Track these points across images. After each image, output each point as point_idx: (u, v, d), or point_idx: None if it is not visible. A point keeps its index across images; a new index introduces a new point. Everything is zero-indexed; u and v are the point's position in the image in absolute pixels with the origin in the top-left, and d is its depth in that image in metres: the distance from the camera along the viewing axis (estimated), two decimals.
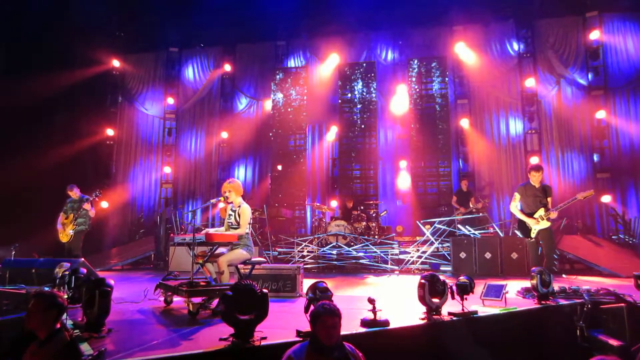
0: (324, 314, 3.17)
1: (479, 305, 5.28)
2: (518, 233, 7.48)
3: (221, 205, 12.33)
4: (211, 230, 5.91)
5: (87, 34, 13.05)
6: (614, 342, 4.67)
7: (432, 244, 10.39)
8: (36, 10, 11.90)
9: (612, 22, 12.65)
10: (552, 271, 6.17)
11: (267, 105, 14.92)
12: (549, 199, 7.09)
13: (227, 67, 15.16)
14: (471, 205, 11.27)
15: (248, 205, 6.15)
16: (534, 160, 12.58)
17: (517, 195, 7.32)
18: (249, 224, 6.17)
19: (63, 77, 12.54)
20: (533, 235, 7.10)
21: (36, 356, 3.26)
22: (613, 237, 11.64)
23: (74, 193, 8.83)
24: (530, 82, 13.01)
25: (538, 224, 7.02)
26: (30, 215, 11.09)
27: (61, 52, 12.76)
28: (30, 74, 11.66)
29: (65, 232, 8.50)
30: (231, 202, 6.23)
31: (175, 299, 5.88)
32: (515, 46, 13.45)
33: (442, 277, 4.75)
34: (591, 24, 12.71)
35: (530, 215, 7.09)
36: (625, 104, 12.41)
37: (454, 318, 4.69)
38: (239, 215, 6.04)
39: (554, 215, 6.94)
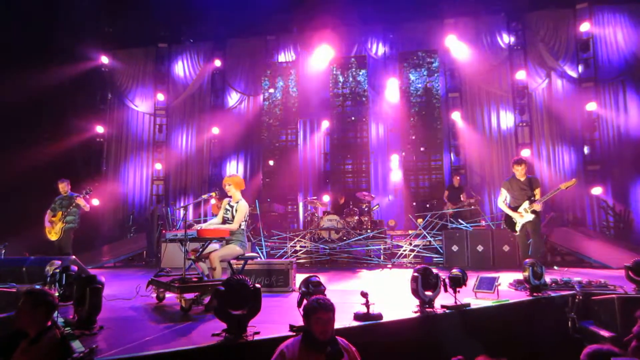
0: (319, 309, 3.15)
1: (472, 298, 5.31)
2: (506, 227, 7.54)
3: (213, 201, 12.35)
4: (203, 226, 5.90)
5: (75, 30, 12.92)
6: (605, 333, 4.71)
7: (424, 237, 10.42)
8: (23, 5, 11.74)
9: (602, 14, 12.68)
10: (539, 259, 6.24)
11: (258, 100, 14.88)
12: (536, 191, 7.12)
13: (218, 63, 15.08)
14: (462, 199, 11.30)
15: (246, 203, 6.15)
16: (525, 153, 12.66)
17: (503, 191, 7.38)
18: (245, 220, 6.15)
19: (51, 73, 12.40)
20: (517, 228, 7.15)
21: (27, 354, 3.23)
22: (604, 229, 11.74)
23: (63, 187, 8.70)
24: (520, 75, 13.05)
25: (522, 218, 7.05)
26: (21, 214, 10.99)
27: (49, 49, 12.62)
28: (17, 70, 11.51)
29: (54, 230, 8.41)
30: (230, 197, 6.23)
31: (168, 295, 5.85)
32: (506, 39, 13.48)
33: (434, 270, 4.76)
34: (581, 15, 12.74)
35: (516, 209, 7.12)
36: (615, 96, 12.46)
37: (447, 311, 4.70)
38: (236, 211, 6.03)
39: (537, 207, 6.97)
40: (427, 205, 12.28)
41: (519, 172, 7.21)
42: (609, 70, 12.51)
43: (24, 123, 12.47)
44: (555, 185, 7.24)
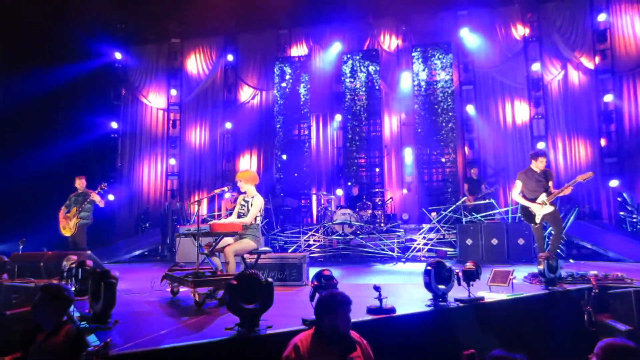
0: (344, 303, 3.19)
1: (486, 292, 5.27)
2: (523, 219, 7.45)
3: (227, 195, 12.41)
4: (216, 221, 5.92)
5: (88, 27, 13.02)
6: (622, 327, 4.65)
7: (438, 231, 10.37)
8: (37, 3, 11.86)
9: (619, 4, 12.42)
10: (555, 254, 6.19)
11: (271, 94, 14.87)
12: (550, 183, 7.04)
13: (230, 58, 15.10)
14: (483, 189, 11.18)
15: (262, 198, 6.15)
16: (540, 145, 12.49)
17: (518, 182, 7.26)
18: (260, 215, 6.16)
19: (65, 71, 12.54)
20: (538, 220, 7.04)
21: (43, 348, 3.28)
22: (621, 222, 11.57)
23: (80, 183, 8.83)
24: (536, 67, 12.87)
25: (542, 209, 6.96)
26: (38, 209, 11.15)
27: (63, 46, 12.74)
28: (32, 68, 11.66)
29: (69, 226, 8.52)
30: (244, 192, 6.25)
31: (182, 289, 5.90)
32: (521, 30, 13.28)
33: (448, 264, 4.73)
34: (598, 5, 12.50)
35: (533, 200, 7.03)
36: (632, 87, 12.22)
37: (461, 304, 4.68)
38: (251, 206, 6.05)
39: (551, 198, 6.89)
40: (442, 199, 12.21)
41: (542, 164, 7.10)
42: (626, 62, 12.26)
43: (39, 120, 12.63)
44: (571, 178, 7.16)
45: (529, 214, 7.14)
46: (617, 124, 12.21)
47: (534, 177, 7.12)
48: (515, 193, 7.28)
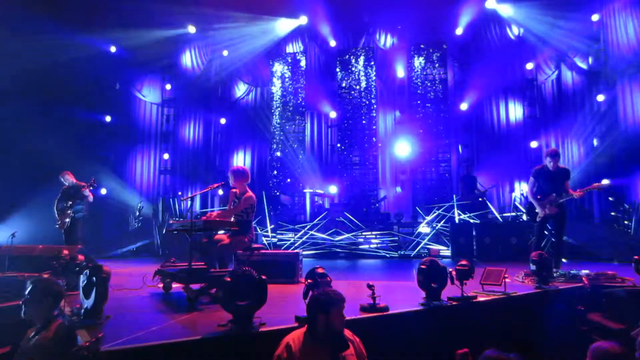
0: (340, 301, 3.17)
1: (479, 290, 5.27)
2: (524, 217, 7.43)
3: (220, 192, 12.37)
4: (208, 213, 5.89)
5: (83, 19, 12.89)
6: (613, 326, 4.67)
7: (432, 229, 10.40)
8: None
9: (612, 5, 12.46)
10: (559, 258, 6.21)
11: (266, 91, 14.83)
12: (567, 183, 6.99)
13: (225, 53, 15.02)
14: (479, 187, 11.17)
15: (252, 195, 6.09)
16: (534, 145, 12.53)
17: (532, 179, 7.19)
18: (249, 212, 6.10)
19: (59, 63, 12.41)
20: (538, 219, 7.02)
21: (33, 343, 3.25)
22: (612, 221, 11.63)
23: (67, 179, 8.76)
24: (529, 67, 12.91)
25: (549, 209, 6.89)
26: (30, 203, 11.07)
27: (55, 37, 12.60)
28: (26, 60, 11.55)
29: (63, 220, 8.46)
30: (235, 190, 6.21)
31: (174, 285, 5.87)
32: (515, 30, 13.30)
33: (441, 263, 4.73)
34: (592, 6, 12.53)
35: (544, 198, 6.97)
36: (625, 87, 12.26)
37: (454, 303, 4.68)
38: (240, 202, 6.01)
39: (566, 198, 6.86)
40: (436, 198, 12.24)
41: (551, 164, 7.05)
42: (619, 62, 12.30)
43: (32, 112, 12.51)
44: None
45: (532, 212, 7.10)
46: (610, 123, 12.26)
47: (547, 175, 7.06)
48: (529, 189, 7.20)
